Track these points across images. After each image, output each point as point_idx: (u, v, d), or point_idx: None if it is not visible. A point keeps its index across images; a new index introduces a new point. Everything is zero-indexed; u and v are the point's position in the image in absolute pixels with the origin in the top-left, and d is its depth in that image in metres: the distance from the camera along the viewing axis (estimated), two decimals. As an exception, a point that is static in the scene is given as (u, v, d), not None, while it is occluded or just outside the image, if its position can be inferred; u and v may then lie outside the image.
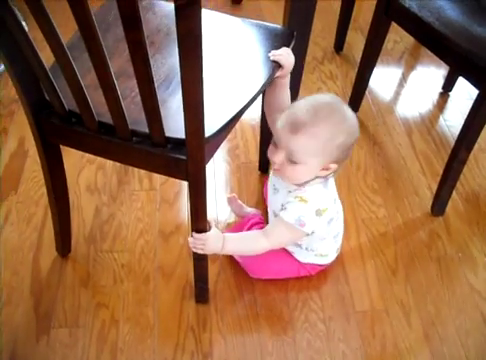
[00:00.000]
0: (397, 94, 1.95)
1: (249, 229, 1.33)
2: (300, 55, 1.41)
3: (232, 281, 1.34)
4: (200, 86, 0.80)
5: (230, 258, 1.37)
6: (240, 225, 1.37)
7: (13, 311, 1.26)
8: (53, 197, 1.25)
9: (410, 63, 2.08)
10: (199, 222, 1.09)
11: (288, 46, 1.21)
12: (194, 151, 0.93)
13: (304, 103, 1.07)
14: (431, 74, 2.03)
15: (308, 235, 1.15)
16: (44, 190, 1.51)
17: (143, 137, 0.97)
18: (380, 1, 1.53)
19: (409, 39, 2.15)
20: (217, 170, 1.63)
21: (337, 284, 1.35)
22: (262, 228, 1.20)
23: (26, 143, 1.64)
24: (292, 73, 1.46)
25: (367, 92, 1.83)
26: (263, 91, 1.21)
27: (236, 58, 1.16)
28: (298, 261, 1.31)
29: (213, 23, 1.25)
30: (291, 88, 1.51)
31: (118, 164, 1.56)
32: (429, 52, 1.45)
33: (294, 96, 1.53)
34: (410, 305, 1.32)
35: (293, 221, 1.11)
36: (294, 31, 1.25)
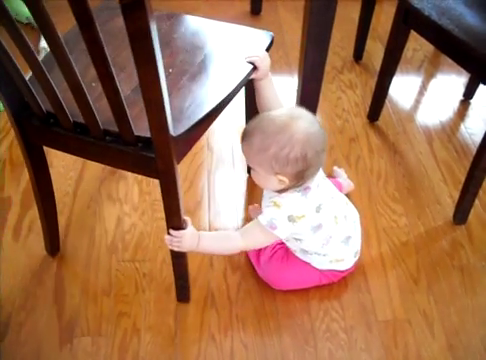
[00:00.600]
0: (417, 102, 1.94)
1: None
2: (320, 65, 1.42)
3: (253, 290, 1.34)
4: (158, 84, 0.81)
5: (251, 267, 1.38)
6: None
7: (37, 319, 1.28)
8: (39, 197, 1.28)
9: (430, 71, 2.07)
10: (173, 220, 1.11)
11: (267, 49, 1.25)
12: (161, 149, 0.96)
13: (267, 113, 1.12)
14: (451, 82, 2.02)
15: (300, 240, 1.21)
16: (66, 200, 1.54)
17: (115, 136, 1.00)
18: (399, 9, 1.53)
19: (429, 47, 2.15)
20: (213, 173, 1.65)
21: (358, 293, 1.34)
22: None
23: (49, 153, 1.66)
24: (311, 82, 1.48)
25: (387, 101, 1.83)
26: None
27: (214, 60, 1.19)
28: (317, 269, 1.31)
29: (194, 27, 1.29)
30: (310, 98, 1.52)
31: (139, 175, 1.58)
32: (449, 60, 1.45)
33: (314, 106, 1.54)
34: (433, 315, 1.30)
35: (265, 223, 1.13)
36: (273, 35, 1.29)
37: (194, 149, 1.69)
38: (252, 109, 1.38)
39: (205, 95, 1.09)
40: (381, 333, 1.27)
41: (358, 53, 2.09)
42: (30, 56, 0.88)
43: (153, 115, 0.88)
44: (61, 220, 1.49)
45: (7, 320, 1.27)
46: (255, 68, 1.17)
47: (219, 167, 1.67)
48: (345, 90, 1.96)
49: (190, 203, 1.55)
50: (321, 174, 1.22)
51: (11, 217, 1.50)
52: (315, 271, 1.31)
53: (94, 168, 1.60)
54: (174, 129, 0.95)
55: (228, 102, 1.13)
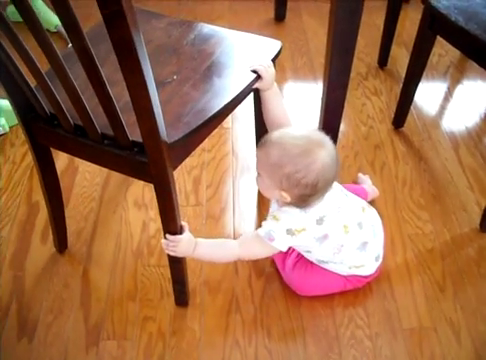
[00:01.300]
0: (443, 109, 1.93)
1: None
2: (345, 71, 1.43)
3: (278, 296, 1.34)
4: (145, 90, 0.82)
5: (276, 273, 1.38)
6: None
7: (64, 322, 1.30)
8: (46, 195, 1.31)
9: (456, 77, 2.06)
10: (169, 225, 1.12)
11: (274, 58, 1.25)
12: (153, 154, 0.97)
13: (294, 129, 1.14)
14: (478, 88, 2.00)
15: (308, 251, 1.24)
16: (93, 205, 1.57)
17: (112, 140, 1.02)
18: (425, 15, 1.53)
19: (455, 53, 2.13)
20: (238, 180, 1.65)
21: (383, 300, 1.34)
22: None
23: (76, 160, 1.69)
24: (336, 89, 1.48)
25: (412, 107, 1.82)
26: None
27: (219, 68, 1.20)
28: (341, 275, 1.30)
29: (204, 34, 1.30)
30: (335, 104, 1.52)
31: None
32: (475, 66, 1.44)
33: (339, 113, 1.55)
34: (460, 323, 1.29)
35: (263, 234, 1.15)
36: (281, 44, 1.29)
37: (219, 155, 1.72)
38: (260, 118, 1.39)
39: (205, 102, 1.10)
40: (406, 341, 1.26)
41: (383, 59, 2.09)
42: (31, 63, 0.92)
43: (143, 121, 0.90)
44: (87, 225, 1.52)
45: (35, 322, 1.30)
46: (259, 77, 1.18)
47: (244, 173, 1.68)
48: (370, 96, 1.96)
49: (215, 209, 1.56)
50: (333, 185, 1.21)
51: (39, 222, 1.53)
52: (339, 277, 1.30)
53: (120, 174, 1.61)
54: (170, 135, 0.97)
55: (230, 110, 1.15)
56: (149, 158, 0.99)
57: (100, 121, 0.99)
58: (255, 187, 1.63)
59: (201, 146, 1.47)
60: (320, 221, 1.17)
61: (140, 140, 0.96)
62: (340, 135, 1.68)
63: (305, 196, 1.11)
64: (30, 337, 1.27)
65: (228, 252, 1.21)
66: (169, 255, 1.18)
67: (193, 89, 1.13)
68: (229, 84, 1.16)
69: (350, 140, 1.78)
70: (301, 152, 1.07)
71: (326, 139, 1.11)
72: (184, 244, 1.14)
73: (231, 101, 1.12)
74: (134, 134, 0.97)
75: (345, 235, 1.22)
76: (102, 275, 1.40)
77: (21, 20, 0.83)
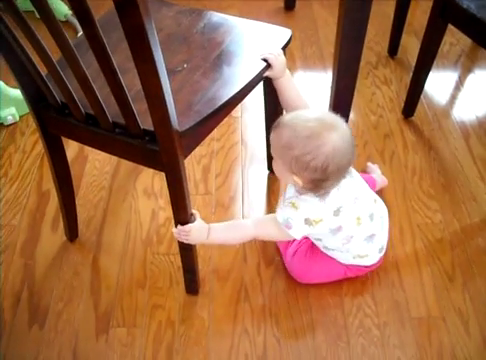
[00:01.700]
0: (453, 98, 1.91)
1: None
2: (354, 60, 1.42)
3: (287, 285, 1.35)
4: (157, 78, 0.82)
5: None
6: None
7: (74, 310, 1.31)
8: (57, 183, 1.32)
9: (467, 66, 2.04)
10: (180, 213, 1.13)
11: (284, 47, 1.24)
12: (165, 143, 0.97)
13: (307, 112, 1.12)
14: (489, 77, 1.98)
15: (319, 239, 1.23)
16: (102, 194, 1.58)
17: (124, 129, 1.02)
18: (436, 3, 1.51)
19: (466, 41, 2.11)
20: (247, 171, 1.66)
21: (392, 289, 1.34)
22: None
23: (86, 149, 1.70)
24: (345, 78, 1.47)
25: (422, 96, 1.81)
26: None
27: (229, 56, 1.19)
28: (342, 263, 1.31)
29: (214, 23, 1.29)
30: (345, 93, 1.52)
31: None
32: (487, 54, 1.43)
33: (348, 101, 1.54)
34: (468, 313, 1.29)
35: (281, 220, 1.14)
36: (291, 32, 1.28)
37: (228, 144, 1.72)
38: (270, 107, 1.39)
39: (216, 91, 1.10)
40: (415, 330, 1.26)
41: (393, 48, 2.07)
42: (42, 51, 0.92)
43: (155, 109, 0.90)
44: (97, 214, 1.53)
45: (46, 309, 1.31)
46: (269, 66, 1.17)
47: (253, 162, 1.68)
48: (380, 86, 1.95)
49: (224, 198, 1.57)
50: (350, 173, 1.20)
51: (49, 210, 1.54)
52: (340, 265, 1.31)
53: (129, 163, 1.63)
54: (181, 123, 0.97)
55: (240, 99, 1.14)
56: (160, 147, 0.99)
57: (111, 110, 0.99)
58: (264, 176, 1.63)
59: (210, 135, 1.47)
60: (337, 212, 1.16)
61: (151, 129, 0.96)
62: (349, 124, 1.65)
63: (316, 181, 1.09)
64: (41, 324, 1.29)
65: (243, 233, 1.21)
66: (179, 243, 1.18)
67: (203, 77, 1.13)
68: (239, 73, 1.15)
69: (360, 129, 1.77)
70: (311, 134, 1.05)
71: (340, 122, 1.08)
72: (196, 231, 1.14)
73: (241, 90, 1.11)
74: (145, 123, 0.97)
75: (357, 227, 1.22)
76: (112, 263, 1.41)
77: (31, 9, 0.83)
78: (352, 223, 1.20)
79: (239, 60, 1.19)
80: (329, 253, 1.30)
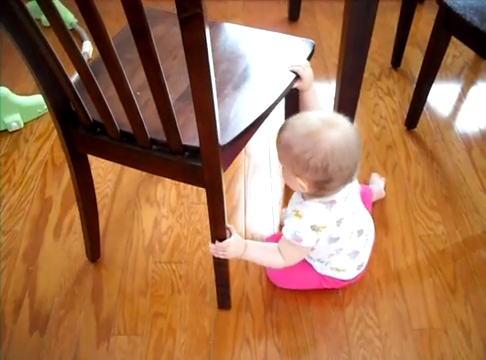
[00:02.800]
0: (456, 110, 1.92)
1: None
2: (358, 71, 1.42)
3: (288, 295, 1.35)
4: (210, 94, 0.82)
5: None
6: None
7: (76, 317, 1.31)
8: (81, 204, 1.29)
9: (470, 78, 2.05)
10: (218, 229, 1.11)
11: (308, 58, 1.24)
12: (209, 158, 0.96)
13: (312, 112, 1.11)
14: (492, 89, 1.99)
15: (313, 248, 1.19)
16: (105, 201, 1.58)
17: (162, 145, 1.01)
18: (440, 15, 1.52)
19: (469, 54, 2.12)
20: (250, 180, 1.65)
21: (394, 300, 1.33)
22: None
23: (89, 157, 1.70)
24: (349, 89, 1.48)
25: (425, 108, 1.81)
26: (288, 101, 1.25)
27: (256, 69, 1.19)
28: (317, 272, 1.29)
29: (234, 35, 1.29)
30: (348, 104, 1.52)
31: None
32: (490, 67, 1.43)
33: (352, 112, 1.54)
34: (470, 325, 1.28)
35: (290, 237, 1.13)
36: (314, 43, 1.28)
37: (231, 153, 1.72)
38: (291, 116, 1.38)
39: (250, 104, 1.09)
40: (416, 342, 1.26)
41: (396, 60, 2.08)
42: (79, 61, 0.89)
43: (203, 125, 0.88)
44: (100, 221, 1.52)
45: (47, 316, 1.31)
46: (298, 77, 1.17)
47: (256, 172, 1.68)
48: (383, 97, 1.95)
49: (227, 206, 1.56)
50: (354, 186, 1.20)
51: (52, 217, 1.54)
52: (315, 274, 1.30)
53: (133, 171, 1.63)
54: (221, 138, 0.95)
55: (271, 110, 1.12)
56: (204, 162, 0.97)
57: (149, 126, 0.98)
58: (267, 186, 1.64)
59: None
60: (339, 223, 1.16)
61: (191, 144, 0.96)
62: (352, 135, 1.67)
63: (320, 182, 1.06)
64: (42, 331, 1.28)
65: (274, 259, 1.19)
66: (214, 258, 1.17)
67: (235, 91, 1.12)
68: (269, 85, 1.15)
69: (362, 140, 1.77)
70: (308, 131, 1.03)
71: (342, 120, 1.05)
72: (233, 247, 1.13)
73: (275, 102, 1.11)
74: (186, 138, 0.97)
75: (349, 240, 1.22)
76: (114, 271, 1.41)
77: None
78: (347, 236, 1.20)
79: (267, 72, 1.18)
80: (309, 261, 1.29)
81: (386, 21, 2.25)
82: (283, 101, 1.36)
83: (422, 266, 1.41)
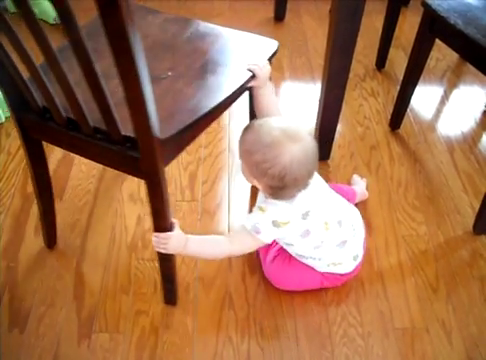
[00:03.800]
0: (439, 112, 1.94)
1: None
2: (344, 71, 1.44)
3: (271, 293, 1.34)
4: (139, 84, 0.81)
5: (269, 270, 1.38)
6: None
7: (57, 314, 1.29)
8: (37, 189, 1.30)
9: (453, 81, 2.07)
10: (159, 221, 1.11)
11: (270, 58, 1.25)
12: (146, 150, 0.96)
13: (276, 120, 1.14)
14: (474, 92, 2.01)
15: (290, 244, 1.22)
16: (88, 197, 1.57)
17: (105, 134, 1.01)
18: (425, 18, 1.54)
19: (452, 57, 2.14)
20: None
21: (376, 299, 1.34)
22: None
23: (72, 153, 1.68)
24: (334, 89, 1.49)
25: (409, 110, 1.83)
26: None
27: (213, 65, 1.20)
28: (318, 272, 1.31)
29: (200, 32, 1.30)
30: (333, 104, 1.54)
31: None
32: (473, 70, 1.46)
33: (337, 112, 1.56)
34: (451, 324, 1.30)
35: (249, 227, 1.15)
36: (278, 44, 1.29)
37: (215, 152, 1.72)
38: (254, 116, 1.39)
39: (199, 100, 1.10)
40: (398, 341, 1.27)
41: (381, 61, 2.10)
42: (25, 56, 0.91)
43: (136, 116, 0.88)
44: (82, 218, 1.52)
45: (27, 313, 1.29)
46: (254, 76, 1.18)
47: (240, 171, 1.67)
48: (367, 98, 1.97)
49: (210, 205, 1.56)
50: (317, 179, 1.22)
51: (33, 213, 1.52)
52: (316, 274, 1.31)
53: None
54: (163, 131, 0.96)
55: (224, 108, 1.14)
56: (141, 153, 0.97)
57: (93, 115, 0.98)
58: (250, 185, 1.63)
59: (198, 142, 1.46)
60: (305, 216, 1.17)
61: (132, 135, 0.95)
62: (337, 135, 1.68)
63: (274, 188, 1.11)
64: (22, 328, 1.27)
65: (218, 248, 1.20)
66: (159, 253, 1.17)
67: (187, 86, 1.13)
68: (223, 82, 1.16)
69: (346, 140, 1.79)
70: (271, 142, 1.06)
71: (304, 134, 1.10)
72: (174, 241, 1.13)
73: (225, 99, 1.12)
74: (127, 129, 0.96)
75: (325, 231, 1.23)
76: (96, 267, 1.40)
77: (14, 10, 0.81)
78: (320, 228, 1.21)
79: (224, 69, 1.19)
80: (305, 261, 1.30)
81: (371, 23, 2.27)
82: (247, 101, 1.37)
83: (405, 266, 1.42)
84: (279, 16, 2.35)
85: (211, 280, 1.37)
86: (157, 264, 1.38)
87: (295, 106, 1.92)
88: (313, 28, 2.30)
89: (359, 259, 1.33)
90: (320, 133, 1.63)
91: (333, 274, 1.31)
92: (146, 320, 1.29)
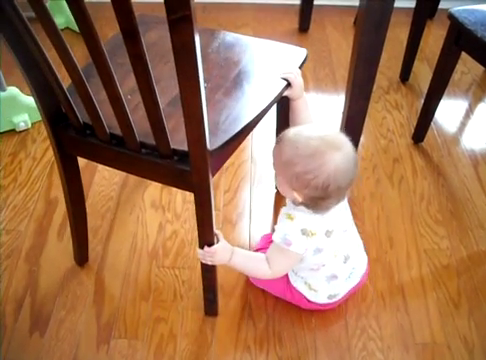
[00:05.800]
0: (463, 125, 1.92)
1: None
2: (368, 83, 1.43)
3: (291, 304, 1.33)
4: (198, 98, 0.81)
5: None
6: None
7: (76, 319, 1.30)
8: (70, 206, 1.29)
9: (478, 95, 2.05)
10: (206, 234, 1.11)
11: (300, 66, 1.24)
12: (197, 162, 0.96)
13: (311, 128, 1.10)
14: (500, 107, 1.99)
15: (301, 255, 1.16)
16: (110, 204, 1.58)
17: (151, 149, 1.01)
18: (451, 31, 1.53)
19: (477, 70, 2.13)
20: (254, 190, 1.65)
21: (397, 313, 1.33)
22: None
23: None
24: (358, 101, 1.48)
25: (432, 123, 1.82)
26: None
27: (248, 75, 1.19)
28: (288, 280, 1.27)
29: (227, 42, 1.30)
30: (357, 116, 1.53)
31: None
32: (500, 84, 1.44)
33: (360, 124, 1.55)
34: (474, 341, 1.27)
35: (279, 240, 1.12)
36: (307, 51, 1.29)
37: (238, 161, 1.73)
38: (283, 126, 1.38)
39: (240, 110, 1.09)
40: (418, 356, 1.25)
41: (405, 74, 2.09)
42: (71, 63, 0.89)
43: (192, 129, 0.88)
44: (104, 224, 1.53)
45: (48, 316, 1.30)
46: (289, 85, 1.18)
47: (262, 181, 1.68)
48: (391, 110, 1.96)
49: (232, 214, 1.56)
50: (344, 204, 1.20)
51: (56, 218, 1.54)
52: (282, 281, 1.27)
53: (139, 175, 1.64)
54: (210, 143, 0.95)
55: (262, 117, 1.13)
56: (193, 166, 0.97)
57: (138, 129, 0.97)
58: (272, 194, 1.63)
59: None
60: (328, 234, 1.15)
61: (180, 148, 0.96)
62: (360, 147, 1.68)
63: (316, 199, 1.06)
64: (42, 331, 1.28)
65: (263, 268, 1.18)
66: (202, 264, 1.16)
67: (225, 97, 1.12)
68: (261, 91, 1.15)
69: (369, 152, 1.78)
70: (313, 153, 1.02)
71: (344, 141, 1.06)
72: (220, 252, 1.12)
73: (265, 108, 1.11)
74: (175, 142, 0.96)
75: (332, 259, 1.20)
76: (116, 274, 1.40)
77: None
78: (331, 253, 1.19)
79: (259, 79, 1.19)
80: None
81: (396, 35, 2.26)
82: (275, 109, 1.37)
83: (426, 280, 1.40)
84: (303, 27, 2.36)
85: (231, 289, 1.37)
86: (177, 272, 1.40)
87: (319, 118, 1.92)
88: (337, 39, 2.30)
89: (335, 300, 1.28)
90: (343, 145, 1.62)
91: (300, 293, 1.27)
92: (165, 328, 1.30)
